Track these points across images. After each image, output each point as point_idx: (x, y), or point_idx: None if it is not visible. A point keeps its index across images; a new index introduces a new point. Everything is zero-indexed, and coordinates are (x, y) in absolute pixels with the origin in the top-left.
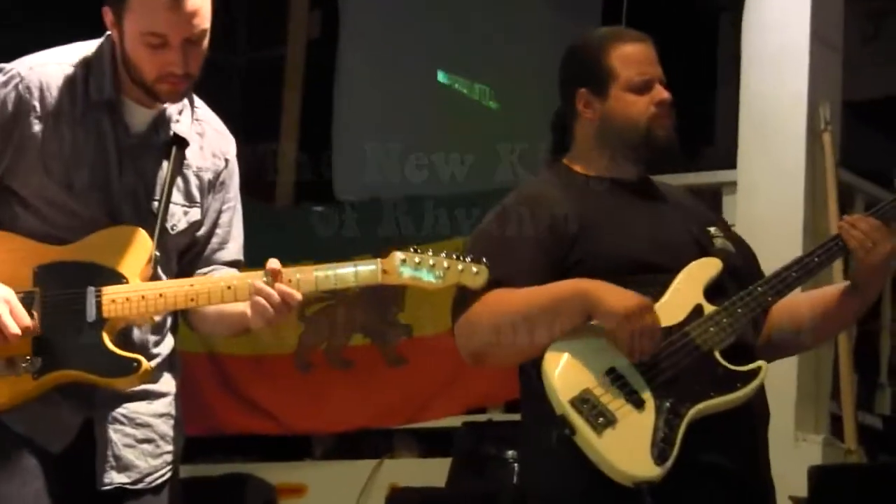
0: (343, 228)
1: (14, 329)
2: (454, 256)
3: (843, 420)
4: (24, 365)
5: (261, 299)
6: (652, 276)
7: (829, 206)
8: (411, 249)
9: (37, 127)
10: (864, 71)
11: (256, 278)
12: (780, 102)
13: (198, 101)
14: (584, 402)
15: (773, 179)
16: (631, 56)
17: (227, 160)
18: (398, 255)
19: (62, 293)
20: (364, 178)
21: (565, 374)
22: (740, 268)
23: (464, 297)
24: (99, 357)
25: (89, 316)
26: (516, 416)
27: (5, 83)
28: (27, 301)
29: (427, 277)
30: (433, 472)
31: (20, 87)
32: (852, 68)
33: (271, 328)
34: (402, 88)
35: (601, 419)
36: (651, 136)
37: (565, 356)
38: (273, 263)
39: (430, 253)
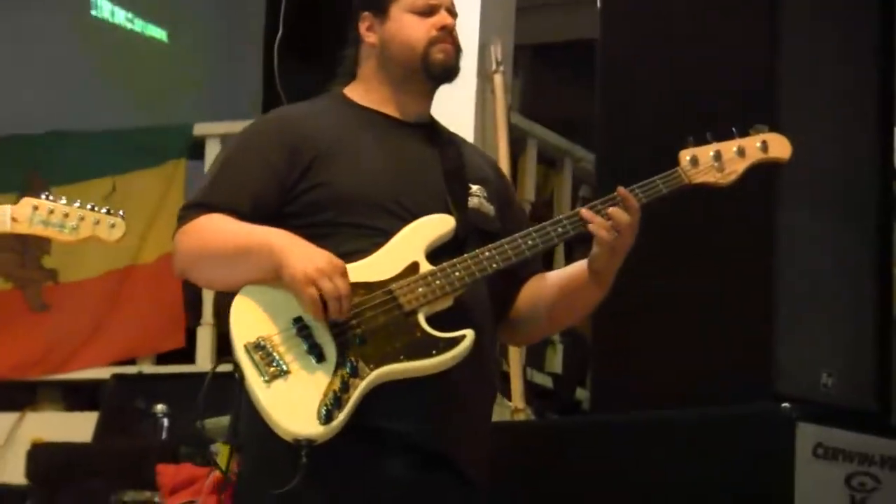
0: None
1: None
2: (90, 207)
3: (510, 378)
4: None
5: None
6: (379, 224)
7: (499, 152)
8: (44, 196)
9: None
10: (547, 12)
11: None
12: None
13: None
14: (258, 348)
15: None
16: None
17: None
18: (31, 203)
19: None
20: (4, 110)
21: (249, 317)
22: (496, 235)
23: (182, 212)
24: None
25: None
26: (167, 369)
27: None
28: None
29: (59, 229)
30: (79, 425)
31: None
32: (536, 10)
33: None
34: (47, 14)
35: (272, 368)
36: (428, 60)
37: (255, 299)
38: None
39: (64, 202)
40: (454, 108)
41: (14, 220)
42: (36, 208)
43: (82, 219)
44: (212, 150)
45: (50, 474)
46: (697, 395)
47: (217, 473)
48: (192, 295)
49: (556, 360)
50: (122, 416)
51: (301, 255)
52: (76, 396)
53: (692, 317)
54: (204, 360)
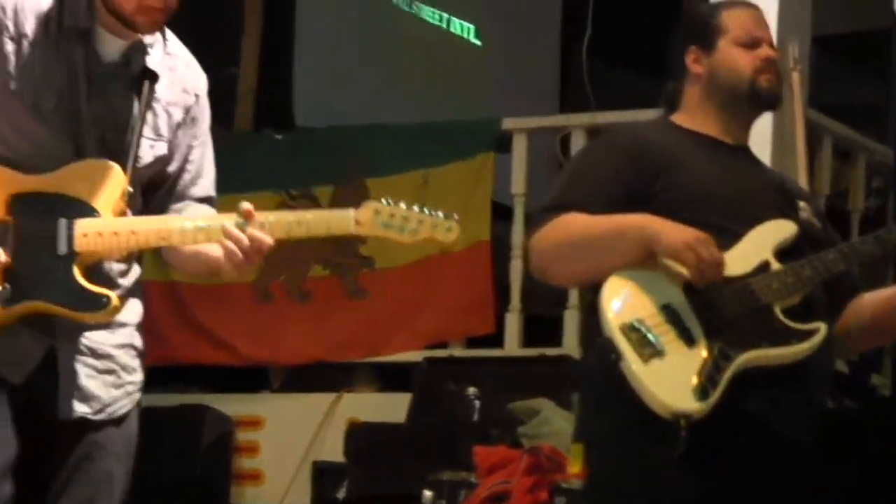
0: (303, 156)
1: None
2: (427, 211)
3: None
4: None
5: (230, 243)
6: (728, 225)
7: (797, 148)
8: (383, 201)
9: (9, 47)
10: (831, 4)
11: (230, 219)
12: None
13: (169, 34)
14: (633, 330)
15: None
16: (741, 16)
17: (197, 96)
18: (372, 207)
19: (36, 224)
20: (325, 104)
21: (621, 301)
22: (823, 244)
23: (539, 215)
24: (70, 291)
25: (60, 249)
26: (477, 352)
27: None
28: (1, 231)
29: (399, 232)
30: (393, 406)
31: None
32: (820, 2)
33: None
34: (367, 16)
35: (649, 349)
36: (755, 86)
37: (624, 285)
38: (245, 205)
39: (404, 206)
40: None
41: (357, 222)
42: (377, 212)
43: (421, 222)
44: (519, 144)
45: (367, 453)
46: None
47: (530, 455)
48: (501, 282)
49: None
50: (434, 397)
51: (675, 227)
52: (390, 378)
53: None
54: (512, 344)
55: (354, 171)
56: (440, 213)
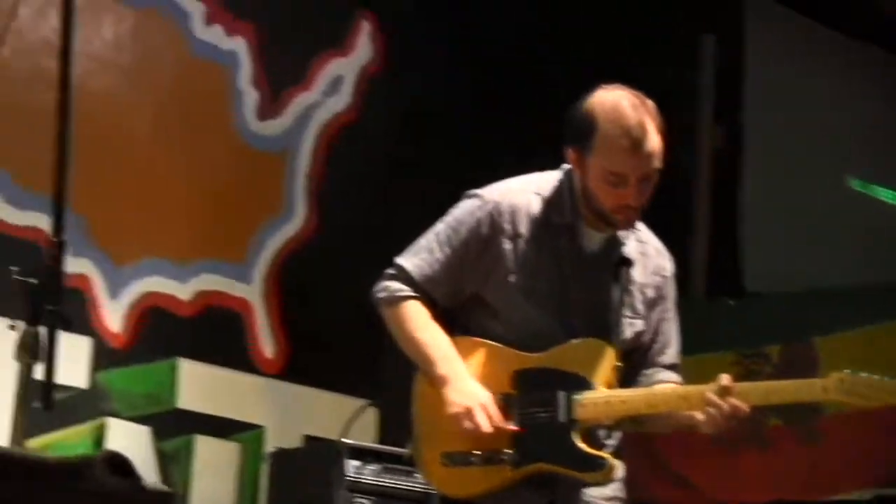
0: (754, 318)
1: (486, 427)
2: (888, 379)
3: None
4: (504, 458)
5: (713, 410)
6: None
7: None
8: (846, 372)
9: (506, 245)
10: None
11: (710, 389)
12: None
13: (639, 224)
14: None
15: None
16: None
17: (665, 276)
18: (838, 377)
19: (538, 396)
20: (772, 270)
21: None
22: None
23: None
24: (571, 454)
25: (561, 417)
26: None
27: (481, 207)
28: (507, 401)
29: (862, 399)
30: None
31: (493, 211)
32: None
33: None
34: (807, 189)
35: None
36: None
37: None
38: (724, 379)
39: (865, 375)
40: None
41: (825, 390)
42: (842, 381)
43: (882, 389)
44: None
45: None
46: None
47: None
48: None
49: None
50: None
51: None
52: None
53: None
54: None
55: (802, 331)
56: None
